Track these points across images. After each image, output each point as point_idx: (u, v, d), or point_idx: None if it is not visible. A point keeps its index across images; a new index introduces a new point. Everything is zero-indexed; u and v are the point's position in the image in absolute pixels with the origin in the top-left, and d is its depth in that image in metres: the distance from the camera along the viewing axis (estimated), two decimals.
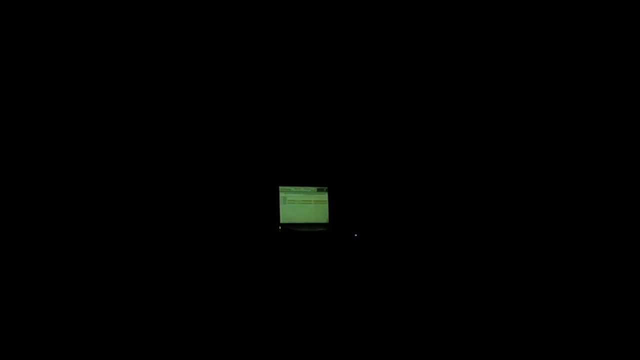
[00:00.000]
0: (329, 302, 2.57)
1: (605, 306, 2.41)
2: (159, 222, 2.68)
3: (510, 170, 2.70)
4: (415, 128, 2.99)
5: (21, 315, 2.25)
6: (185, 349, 2.24)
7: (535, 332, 2.41)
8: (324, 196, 3.00)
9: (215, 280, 2.63)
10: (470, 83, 2.88)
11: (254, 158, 2.94)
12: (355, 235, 2.75)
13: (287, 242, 2.76)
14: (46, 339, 2.18)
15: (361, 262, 2.72)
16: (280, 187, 2.91)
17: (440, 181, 2.89)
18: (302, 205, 2.94)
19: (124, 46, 2.62)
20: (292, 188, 2.93)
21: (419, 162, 2.97)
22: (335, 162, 3.09)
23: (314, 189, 2.99)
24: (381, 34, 2.94)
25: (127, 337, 2.26)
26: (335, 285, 2.64)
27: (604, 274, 2.45)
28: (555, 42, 2.64)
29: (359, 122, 3.08)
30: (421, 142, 2.97)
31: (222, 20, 2.76)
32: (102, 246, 2.53)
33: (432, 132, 2.92)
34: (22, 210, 2.42)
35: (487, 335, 2.41)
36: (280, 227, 2.83)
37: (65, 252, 2.47)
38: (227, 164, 2.88)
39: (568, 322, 2.42)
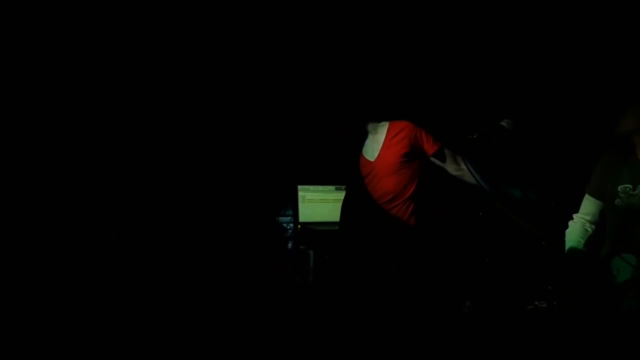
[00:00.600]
0: (349, 300, 2.60)
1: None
2: (180, 220, 2.75)
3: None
4: (430, 127, 2.98)
5: (22, 315, 2.28)
6: (196, 342, 2.29)
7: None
8: (343, 195, 3.02)
9: (235, 278, 2.68)
10: (479, 82, 2.87)
11: (273, 158, 2.98)
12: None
13: (306, 240, 2.79)
14: (46, 339, 2.20)
15: (381, 260, 2.73)
16: (299, 187, 2.94)
17: (457, 179, 2.88)
18: (320, 204, 2.97)
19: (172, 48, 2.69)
20: (311, 187, 2.96)
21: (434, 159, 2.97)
22: (354, 161, 3.10)
23: (332, 187, 3.01)
24: (399, 38, 2.94)
25: (150, 330, 2.33)
26: (355, 283, 2.66)
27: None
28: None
29: (376, 121, 3.08)
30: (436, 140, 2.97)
31: (245, 25, 2.79)
32: (128, 239, 2.62)
33: (446, 130, 2.92)
34: (27, 211, 2.48)
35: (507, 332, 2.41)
36: (299, 226, 2.86)
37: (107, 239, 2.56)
38: (248, 164, 2.93)
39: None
